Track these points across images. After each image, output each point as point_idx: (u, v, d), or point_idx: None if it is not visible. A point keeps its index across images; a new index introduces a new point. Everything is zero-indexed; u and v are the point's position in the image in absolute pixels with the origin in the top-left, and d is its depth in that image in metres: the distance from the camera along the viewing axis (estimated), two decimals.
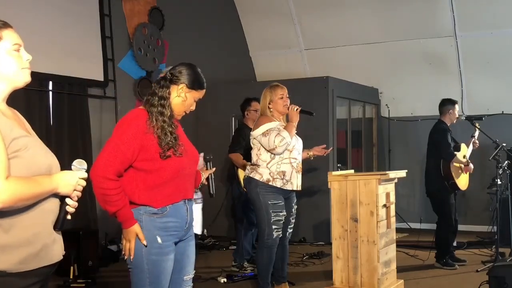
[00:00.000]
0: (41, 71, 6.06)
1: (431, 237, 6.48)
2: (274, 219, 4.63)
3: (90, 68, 6.91)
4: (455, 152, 6.13)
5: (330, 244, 5.14)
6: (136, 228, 2.73)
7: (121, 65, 7.48)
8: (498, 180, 6.05)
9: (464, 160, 6.24)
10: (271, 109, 4.77)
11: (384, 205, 4.82)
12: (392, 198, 5.01)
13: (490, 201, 7.51)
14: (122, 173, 2.71)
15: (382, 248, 4.75)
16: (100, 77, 7.04)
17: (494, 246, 6.34)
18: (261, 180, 4.63)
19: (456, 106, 6.33)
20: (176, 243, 2.85)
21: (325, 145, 5.26)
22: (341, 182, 4.84)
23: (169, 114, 2.79)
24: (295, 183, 4.71)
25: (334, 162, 8.02)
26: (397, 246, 5.33)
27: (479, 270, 5.87)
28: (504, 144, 6.17)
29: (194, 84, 2.88)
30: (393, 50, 9.22)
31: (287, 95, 4.80)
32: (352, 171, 5.38)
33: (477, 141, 6.42)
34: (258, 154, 4.67)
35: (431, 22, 8.83)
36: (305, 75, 9.64)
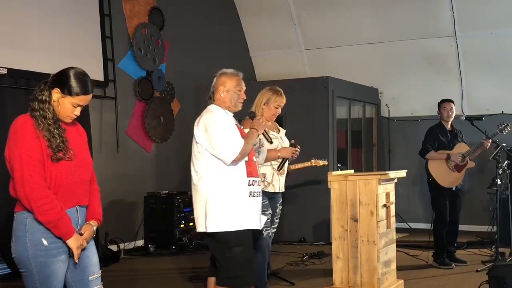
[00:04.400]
0: (41, 71, 6.02)
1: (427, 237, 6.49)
2: None
3: (90, 68, 6.85)
4: (446, 151, 6.15)
5: (330, 244, 5.14)
6: (77, 233, 2.76)
7: (121, 65, 7.48)
8: (498, 180, 6.04)
9: (441, 155, 6.16)
10: (263, 110, 4.72)
11: (384, 205, 4.82)
12: (392, 198, 5.01)
13: (490, 201, 7.51)
14: (45, 178, 2.69)
15: (382, 248, 4.75)
16: (100, 77, 7.04)
17: (494, 246, 6.34)
18: None
19: (443, 104, 6.29)
20: None
21: (293, 141, 4.86)
22: (341, 182, 4.83)
23: (52, 116, 2.76)
24: (277, 185, 4.71)
25: (334, 162, 8.02)
26: (397, 246, 5.33)
27: (479, 270, 5.86)
28: (504, 144, 6.16)
29: (65, 90, 2.79)
30: (393, 50, 9.21)
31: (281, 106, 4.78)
32: (352, 171, 5.38)
33: (487, 142, 6.03)
34: None
35: (431, 22, 8.83)
36: (305, 75, 9.63)
